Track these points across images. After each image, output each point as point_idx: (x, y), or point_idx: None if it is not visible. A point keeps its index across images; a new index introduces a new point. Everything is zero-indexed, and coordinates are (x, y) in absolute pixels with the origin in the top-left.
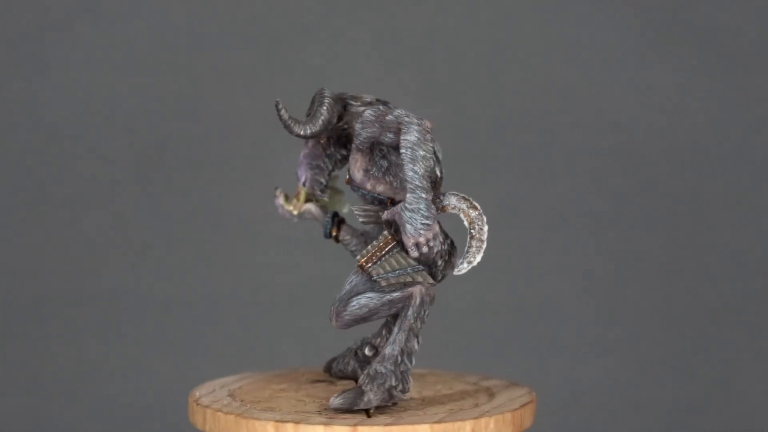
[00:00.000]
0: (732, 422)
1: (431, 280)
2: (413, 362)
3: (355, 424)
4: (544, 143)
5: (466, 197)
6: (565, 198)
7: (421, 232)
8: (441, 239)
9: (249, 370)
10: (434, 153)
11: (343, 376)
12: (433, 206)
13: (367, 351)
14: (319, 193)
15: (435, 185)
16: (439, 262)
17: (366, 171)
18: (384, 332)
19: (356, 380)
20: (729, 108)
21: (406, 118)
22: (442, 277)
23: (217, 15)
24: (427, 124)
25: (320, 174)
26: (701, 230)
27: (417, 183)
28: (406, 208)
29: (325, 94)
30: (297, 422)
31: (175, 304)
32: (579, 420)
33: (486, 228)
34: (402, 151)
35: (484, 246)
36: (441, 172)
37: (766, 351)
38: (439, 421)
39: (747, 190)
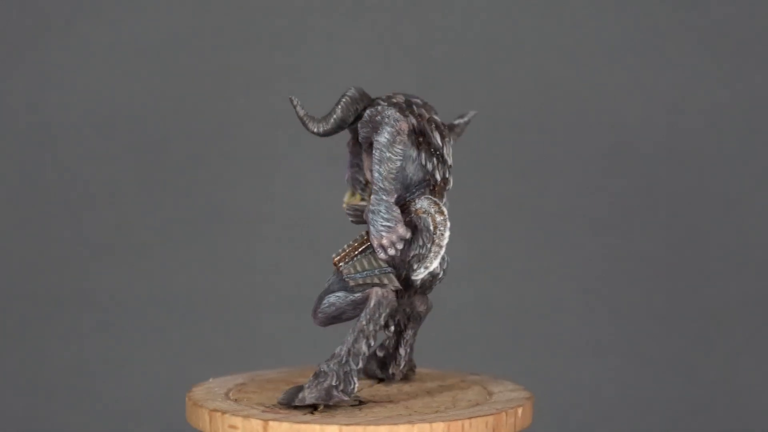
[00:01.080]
0: (732, 422)
1: (396, 284)
2: (360, 364)
3: (354, 424)
4: (544, 143)
5: (437, 202)
6: (565, 198)
7: (383, 234)
8: (421, 241)
9: (247, 370)
10: (435, 154)
11: (368, 376)
12: (395, 209)
13: (377, 351)
14: (360, 191)
15: (433, 188)
16: (415, 266)
17: (371, 170)
18: (392, 333)
19: (379, 380)
20: (729, 108)
21: (385, 119)
22: (426, 282)
23: (217, 15)
24: (402, 126)
25: (359, 172)
26: (701, 230)
27: (380, 185)
28: (369, 209)
29: (347, 93)
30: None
31: (175, 304)
32: (579, 420)
33: (447, 234)
34: (373, 151)
35: (442, 252)
36: (444, 175)
37: (766, 351)
38: (438, 420)
39: (747, 190)
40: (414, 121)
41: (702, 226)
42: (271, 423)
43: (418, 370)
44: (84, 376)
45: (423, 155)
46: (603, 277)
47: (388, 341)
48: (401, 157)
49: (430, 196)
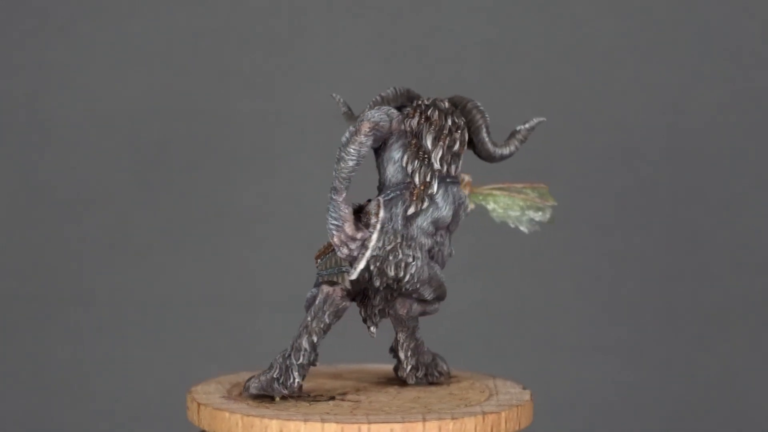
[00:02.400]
0: (732, 422)
1: (347, 284)
2: (301, 359)
3: (355, 423)
4: (543, 143)
5: (379, 205)
6: (565, 198)
7: (333, 233)
8: (381, 243)
9: (247, 369)
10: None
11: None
12: (342, 208)
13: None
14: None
15: (412, 191)
16: (371, 267)
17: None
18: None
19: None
20: (729, 108)
21: (359, 119)
22: (393, 282)
23: (217, 15)
24: (363, 126)
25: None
26: (701, 230)
27: (332, 184)
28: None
29: (381, 93)
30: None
31: (175, 304)
32: (579, 420)
33: (375, 236)
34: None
35: (367, 254)
36: (425, 179)
37: (766, 351)
38: (438, 419)
39: (747, 190)
40: (414, 122)
41: (702, 227)
42: (347, 426)
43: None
44: (84, 376)
45: (406, 157)
46: (603, 277)
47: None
48: (354, 157)
49: (379, 198)
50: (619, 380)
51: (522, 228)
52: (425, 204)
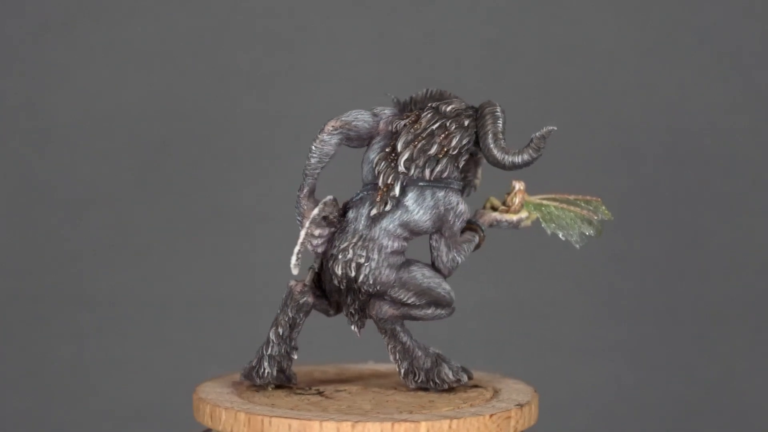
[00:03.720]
0: (732, 422)
1: (306, 280)
2: (269, 350)
3: (356, 422)
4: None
5: (325, 202)
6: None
7: (299, 227)
8: (341, 241)
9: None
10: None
11: None
12: (301, 203)
13: None
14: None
15: (378, 191)
16: (325, 266)
17: None
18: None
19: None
20: (729, 108)
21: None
22: (347, 281)
23: (217, 15)
24: (327, 125)
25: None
26: (702, 230)
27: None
28: None
29: (412, 95)
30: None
31: (175, 304)
32: (579, 420)
33: (303, 231)
34: None
35: (295, 249)
36: (386, 180)
37: (766, 351)
38: (444, 418)
39: (747, 190)
40: (401, 124)
41: (703, 227)
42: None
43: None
44: (84, 376)
45: (377, 158)
46: (603, 277)
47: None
48: (316, 155)
49: (331, 196)
50: (619, 380)
51: (573, 241)
52: (388, 206)
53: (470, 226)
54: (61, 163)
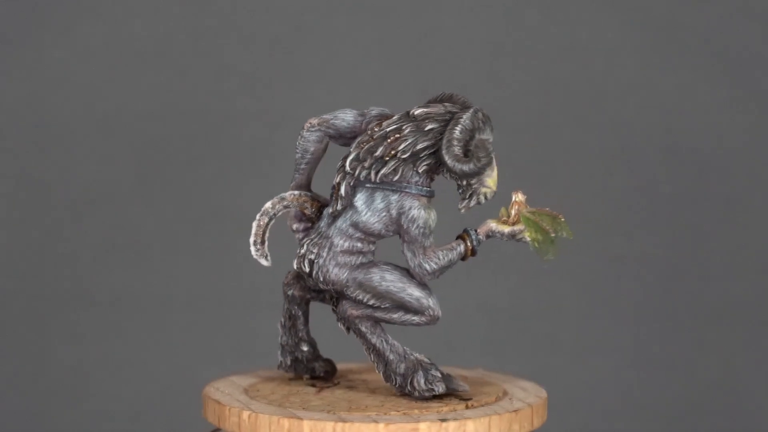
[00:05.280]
0: (732, 422)
1: (292, 269)
2: (280, 340)
3: (371, 422)
4: (543, 143)
5: (284, 197)
6: (565, 198)
7: None
8: (312, 237)
9: (247, 369)
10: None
11: None
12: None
13: None
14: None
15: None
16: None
17: None
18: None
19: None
20: (729, 108)
21: None
22: (307, 277)
23: (217, 15)
24: (308, 121)
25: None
26: (701, 230)
27: None
28: None
29: (439, 95)
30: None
31: (175, 304)
32: (579, 419)
33: (254, 222)
34: None
35: (250, 238)
36: (335, 180)
37: (766, 351)
38: (455, 419)
39: (747, 190)
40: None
41: (702, 227)
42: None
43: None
44: (84, 376)
45: (342, 162)
46: (603, 277)
47: None
48: (298, 151)
49: (297, 191)
50: (619, 380)
51: (544, 259)
52: (339, 206)
53: (461, 234)
54: (61, 163)
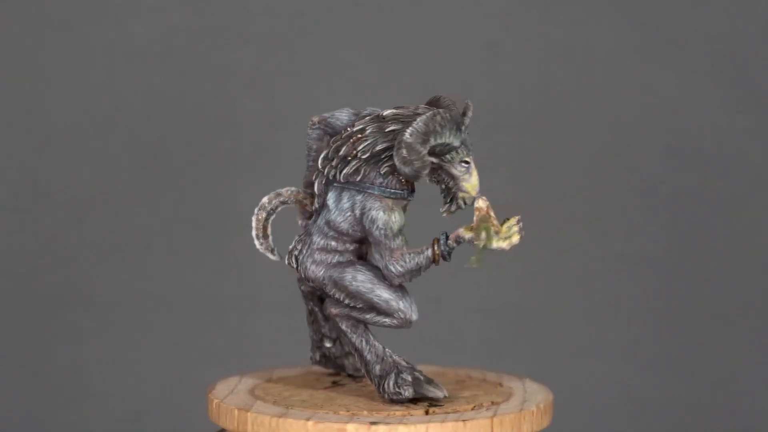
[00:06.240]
0: (732, 422)
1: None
2: (309, 333)
3: (372, 423)
4: (543, 143)
5: (280, 192)
6: (565, 198)
7: None
8: (301, 233)
9: (246, 369)
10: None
11: None
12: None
13: None
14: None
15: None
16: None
17: None
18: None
19: None
20: (729, 108)
21: None
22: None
23: (217, 15)
24: (311, 118)
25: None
26: (701, 230)
27: None
28: None
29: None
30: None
31: (175, 304)
32: (579, 419)
33: (253, 217)
34: None
35: (252, 232)
36: (310, 178)
37: (766, 351)
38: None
39: (747, 190)
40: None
41: (702, 226)
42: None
43: (434, 368)
44: (84, 376)
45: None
46: (603, 277)
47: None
48: (306, 148)
49: (293, 188)
50: (619, 380)
51: (473, 266)
52: (315, 203)
53: (434, 239)
54: (61, 163)
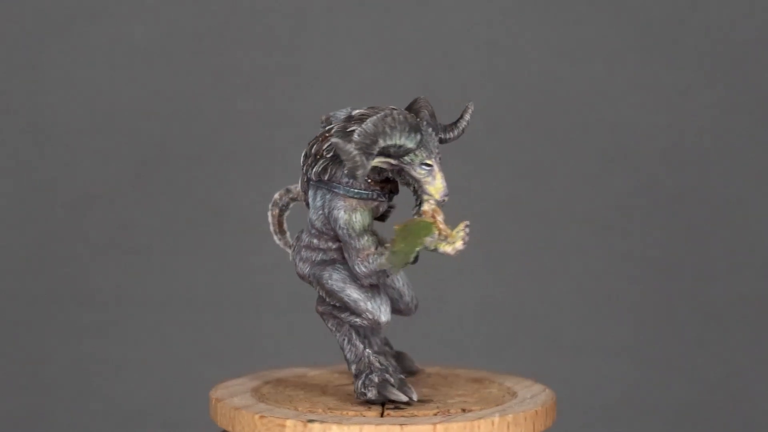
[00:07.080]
0: (732, 422)
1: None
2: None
3: (309, 420)
4: (544, 143)
5: (289, 189)
6: (565, 198)
7: None
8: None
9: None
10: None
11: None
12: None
13: None
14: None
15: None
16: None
17: None
18: None
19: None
20: (729, 108)
21: None
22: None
23: (217, 15)
24: (321, 116)
25: None
26: (701, 230)
27: None
28: None
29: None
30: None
31: (175, 304)
32: (579, 419)
33: (268, 214)
34: None
35: (270, 227)
36: (301, 179)
37: (766, 351)
38: (464, 420)
39: (747, 190)
40: None
41: (702, 226)
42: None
43: (436, 369)
44: (84, 375)
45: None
46: (603, 277)
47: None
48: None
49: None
50: (619, 380)
51: (394, 270)
52: (305, 200)
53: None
54: (61, 162)
